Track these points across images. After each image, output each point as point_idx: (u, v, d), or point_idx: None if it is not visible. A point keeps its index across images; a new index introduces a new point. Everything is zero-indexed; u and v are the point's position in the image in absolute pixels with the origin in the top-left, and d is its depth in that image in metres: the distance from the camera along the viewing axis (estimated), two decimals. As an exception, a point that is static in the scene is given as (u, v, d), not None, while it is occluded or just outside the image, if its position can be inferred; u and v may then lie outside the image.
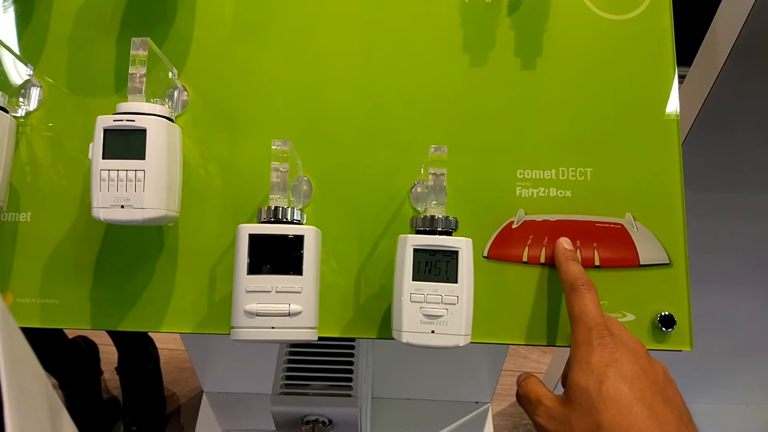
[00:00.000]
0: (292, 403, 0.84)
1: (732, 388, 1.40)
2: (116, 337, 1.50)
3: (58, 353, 1.41)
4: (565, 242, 0.57)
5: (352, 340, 0.91)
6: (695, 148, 0.84)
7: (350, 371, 0.87)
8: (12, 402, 0.33)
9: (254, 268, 0.51)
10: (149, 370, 1.54)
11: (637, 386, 0.45)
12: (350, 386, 0.85)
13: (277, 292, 0.50)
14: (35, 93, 0.62)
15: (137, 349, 1.53)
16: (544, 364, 1.62)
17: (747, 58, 0.78)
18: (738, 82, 0.80)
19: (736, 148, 0.89)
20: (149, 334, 1.60)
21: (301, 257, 0.51)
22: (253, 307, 0.50)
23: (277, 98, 0.62)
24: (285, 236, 0.51)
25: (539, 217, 0.59)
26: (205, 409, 1.44)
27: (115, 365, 1.52)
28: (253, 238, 0.51)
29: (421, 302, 0.50)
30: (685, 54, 0.72)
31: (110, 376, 1.57)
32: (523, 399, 0.52)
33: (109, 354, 1.54)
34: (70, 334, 1.50)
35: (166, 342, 1.66)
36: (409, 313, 0.50)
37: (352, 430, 0.87)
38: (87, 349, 1.53)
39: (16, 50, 0.63)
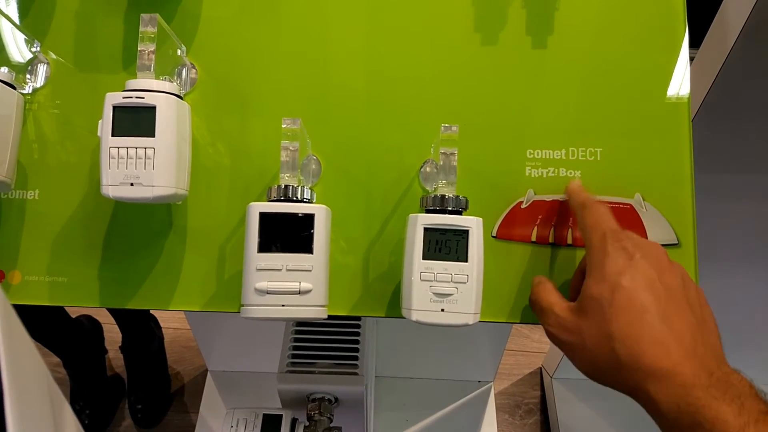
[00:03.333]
0: (298, 381, 0.85)
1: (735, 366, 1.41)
2: (118, 316, 1.50)
3: (62, 332, 1.41)
4: (575, 184, 0.57)
5: (358, 318, 0.92)
6: (704, 129, 0.83)
7: (356, 350, 0.88)
8: (13, 397, 0.33)
9: (265, 247, 0.51)
10: (153, 349, 1.55)
11: (650, 295, 0.43)
12: (356, 364, 0.86)
13: (288, 270, 0.51)
14: (42, 69, 0.62)
15: (140, 329, 1.54)
16: (546, 344, 1.62)
17: (756, 40, 0.77)
18: (747, 63, 0.79)
19: (745, 130, 0.89)
20: (153, 313, 1.61)
21: (311, 236, 0.51)
22: (263, 284, 0.50)
23: (285, 76, 0.61)
24: (295, 215, 0.51)
25: (548, 197, 0.59)
26: (210, 387, 1.45)
27: (119, 344, 1.53)
28: (264, 217, 0.51)
29: (431, 281, 0.50)
30: (694, 36, 0.72)
31: (115, 355, 1.58)
32: (535, 306, 0.52)
33: (114, 333, 1.55)
34: (74, 313, 1.50)
35: (171, 321, 1.66)
36: (419, 291, 0.50)
37: (357, 408, 0.87)
38: (91, 327, 1.54)
39: (23, 26, 0.62)
